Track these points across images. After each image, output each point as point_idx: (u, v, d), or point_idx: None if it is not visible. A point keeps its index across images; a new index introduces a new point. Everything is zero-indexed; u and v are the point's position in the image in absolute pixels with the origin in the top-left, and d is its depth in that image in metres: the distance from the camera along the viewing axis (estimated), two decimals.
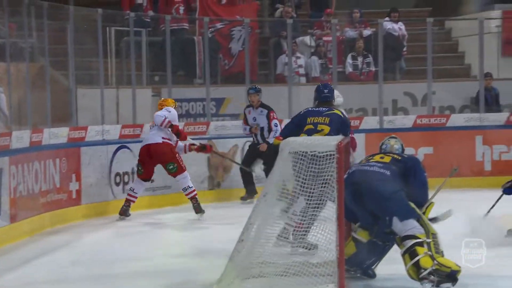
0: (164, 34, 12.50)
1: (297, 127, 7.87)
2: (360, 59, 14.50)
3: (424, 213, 6.43)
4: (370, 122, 13.17)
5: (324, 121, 7.81)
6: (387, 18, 14.68)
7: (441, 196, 6.73)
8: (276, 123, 11.37)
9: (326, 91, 8.17)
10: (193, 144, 10.47)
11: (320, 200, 6.19)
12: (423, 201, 6.50)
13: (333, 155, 5.86)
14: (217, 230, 9.54)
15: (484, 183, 12.50)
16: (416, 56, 14.67)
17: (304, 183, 6.16)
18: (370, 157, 6.81)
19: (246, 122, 11.58)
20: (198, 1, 14.34)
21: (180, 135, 10.09)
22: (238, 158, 11.93)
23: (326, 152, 5.96)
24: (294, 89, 13.41)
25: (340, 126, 7.81)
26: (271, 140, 10.92)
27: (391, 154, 6.77)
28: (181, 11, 14.09)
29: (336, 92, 8.61)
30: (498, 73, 14.40)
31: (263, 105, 11.54)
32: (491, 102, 13.72)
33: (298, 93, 13.33)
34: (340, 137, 6.42)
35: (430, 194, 6.60)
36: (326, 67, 14.44)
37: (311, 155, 6.05)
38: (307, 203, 6.22)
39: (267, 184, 6.49)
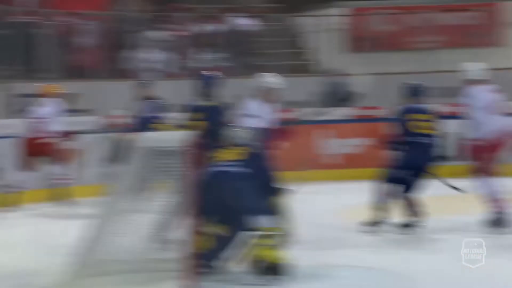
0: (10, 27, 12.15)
1: None
2: (211, 54, 14.57)
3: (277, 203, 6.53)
4: None
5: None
6: (237, 14, 14.76)
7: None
8: None
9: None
10: None
11: (170, 195, 6.14)
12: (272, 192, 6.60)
13: (181, 149, 5.84)
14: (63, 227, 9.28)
15: (326, 176, 12.69)
16: (265, 52, 14.81)
17: (155, 178, 6.09)
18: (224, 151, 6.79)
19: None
20: None
21: None
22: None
23: (174, 146, 5.91)
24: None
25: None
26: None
27: (242, 147, 6.77)
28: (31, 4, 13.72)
29: None
30: (344, 68, 14.71)
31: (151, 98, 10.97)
32: (339, 96, 13.98)
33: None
34: (186, 132, 6.35)
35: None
36: (178, 62, 14.45)
37: (160, 150, 5.99)
38: (156, 199, 6.15)
39: (119, 180, 6.36)
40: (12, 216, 9.98)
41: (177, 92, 13.31)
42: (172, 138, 6.10)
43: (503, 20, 15.85)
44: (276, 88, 8.09)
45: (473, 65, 8.30)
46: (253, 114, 7.87)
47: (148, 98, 10.34)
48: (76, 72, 13.76)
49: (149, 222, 6.41)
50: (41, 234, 8.78)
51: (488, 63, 13.56)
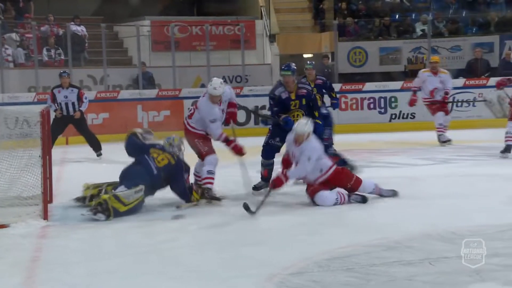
0: None
1: None
2: (53, 50, 13.97)
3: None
4: None
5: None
6: (72, 23, 14.24)
7: None
8: (86, 97, 10.04)
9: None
10: None
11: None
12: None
13: (38, 119, 5.64)
14: None
15: None
16: (94, 50, 14.40)
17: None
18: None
19: (53, 100, 9.80)
20: None
21: None
22: None
23: (33, 116, 5.71)
24: (5, 72, 12.65)
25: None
26: (83, 108, 9.88)
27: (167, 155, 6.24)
28: None
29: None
30: (150, 62, 14.61)
31: (72, 85, 10.08)
32: (147, 82, 13.89)
33: (8, 75, 12.68)
34: (44, 106, 6.12)
35: None
36: (29, 56, 13.69)
37: (23, 119, 5.75)
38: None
39: None
40: None
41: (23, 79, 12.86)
42: (30, 109, 5.89)
43: (256, 32, 16.34)
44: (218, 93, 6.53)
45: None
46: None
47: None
48: None
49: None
50: None
51: (245, 61, 14.20)
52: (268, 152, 6.86)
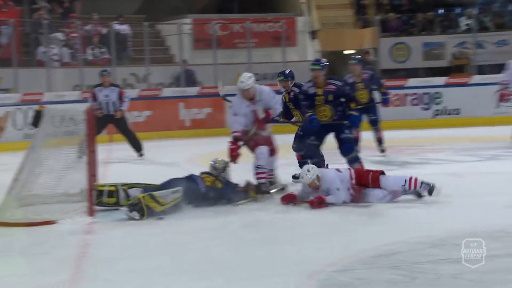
0: None
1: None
2: (97, 49, 14.18)
3: None
4: None
5: None
6: (115, 22, 14.42)
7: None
8: (127, 96, 9.94)
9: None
10: None
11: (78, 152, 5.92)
12: None
13: (83, 117, 5.73)
14: None
15: (185, 134, 12.80)
16: (137, 48, 14.57)
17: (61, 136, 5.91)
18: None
19: (94, 99, 9.71)
20: None
21: None
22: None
23: (78, 114, 5.79)
24: (52, 71, 12.90)
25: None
26: (124, 108, 9.76)
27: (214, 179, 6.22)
28: None
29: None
30: (192, 60, 14.70)
31: (113, 84, 10.04)
32: (189, 80, 14.00)
33: (54, 74, 12.90)
34: (88, 104, 6.20)
35: None
36: (74, 55, 13.90)
37: (69, 117, 5.84)
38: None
39: (35, 139, 6.13)
40: None
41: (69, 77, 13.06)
42: (76, 107, 5.98)
43: (297, 28, 16.28)
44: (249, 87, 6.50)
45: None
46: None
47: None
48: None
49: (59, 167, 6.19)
50: None
51: (286, 57, 14.17)
52: (300, 144, 6.72)
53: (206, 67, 14.08)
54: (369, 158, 8.15)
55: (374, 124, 9.09)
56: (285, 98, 6.85)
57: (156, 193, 5.81)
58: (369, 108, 8.93)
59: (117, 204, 6.08)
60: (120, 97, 9.84)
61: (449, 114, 13.03)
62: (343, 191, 5.94)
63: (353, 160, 6.63)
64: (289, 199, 6.08)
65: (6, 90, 12.37)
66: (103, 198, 6.08)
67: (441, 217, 5.44)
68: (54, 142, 5.98)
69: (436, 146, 9.94)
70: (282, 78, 6.89)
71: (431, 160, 8.62)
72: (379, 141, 9.09)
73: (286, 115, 6.80)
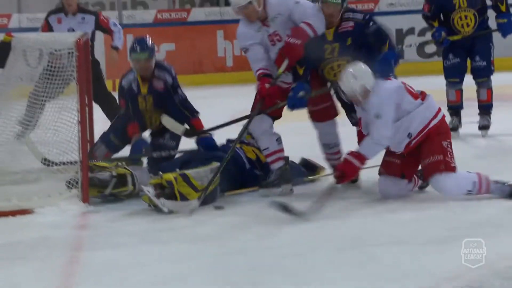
0: None
1: None
2: None
3: None
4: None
5: None
6: None
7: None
8: (114, 23, 8.98)
9: None
10: None
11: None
12: None
13: (72, 52, 5.78)
14: None
15: (224, 79, 12.87)
16: None
17: (43, 83, 6.02)
18: None
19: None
20: None
21: None
22: None
23: (64, 49, 5.85)
24: None
25: None
26: (118, 44, 8.89)
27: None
28: None
29: None
30: None
31: (83, 10, 8.87)
32: None
33: None
34: (78, 33, 6.24)
35: None
36: None
37: (49, 52, 5.92)
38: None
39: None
40: None
41: None
42: (60, 39, 6.05)
43: None
44: None
45: None
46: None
47: None
48: None
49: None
50: None
51: None
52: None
53: None
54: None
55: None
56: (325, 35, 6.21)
57: (190, 172, 5.80)
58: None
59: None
60: (102, 28, 8.83)
61: None
62: (387, 123, 5.68)
63: None
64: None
65: None
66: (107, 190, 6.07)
67: None
68: (29, 90, 6.10)
69: None
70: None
71: None
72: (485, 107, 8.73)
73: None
